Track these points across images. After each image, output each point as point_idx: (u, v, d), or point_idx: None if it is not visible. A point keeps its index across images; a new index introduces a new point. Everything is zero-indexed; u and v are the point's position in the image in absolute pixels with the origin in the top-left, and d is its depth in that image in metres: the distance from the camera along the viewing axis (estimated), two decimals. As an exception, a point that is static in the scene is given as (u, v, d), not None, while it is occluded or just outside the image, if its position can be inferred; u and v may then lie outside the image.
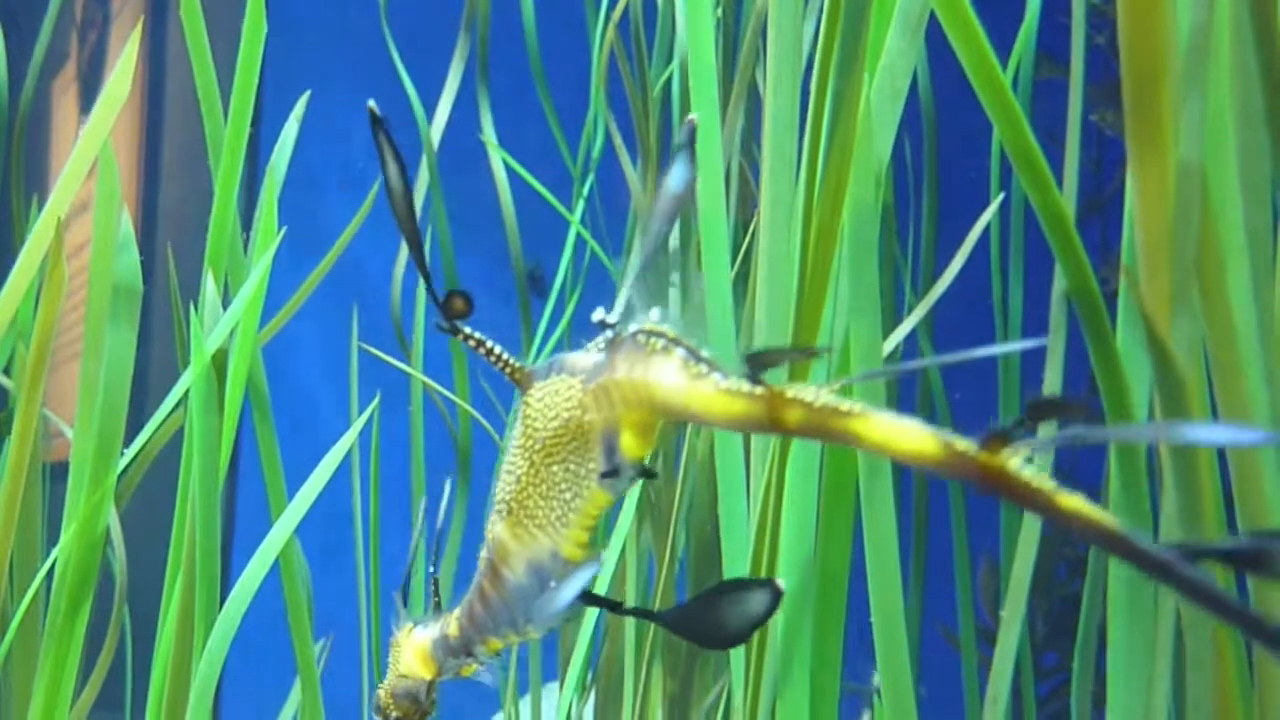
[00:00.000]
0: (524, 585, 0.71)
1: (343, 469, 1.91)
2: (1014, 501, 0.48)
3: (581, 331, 2.13)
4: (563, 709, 1.61)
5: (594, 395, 0.65)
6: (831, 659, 1.01)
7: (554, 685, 2.30)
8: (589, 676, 2.01)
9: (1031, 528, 0.95)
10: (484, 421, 1.85)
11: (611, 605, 0.75)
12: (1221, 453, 0.87)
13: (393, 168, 0.67)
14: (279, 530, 1.09)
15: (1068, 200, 0.80)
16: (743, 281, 1.82)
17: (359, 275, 2.15)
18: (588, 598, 0.72)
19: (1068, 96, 1.04)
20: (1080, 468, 2.53)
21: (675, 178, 0.70)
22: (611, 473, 0.66)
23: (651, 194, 1.91)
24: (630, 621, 1.83)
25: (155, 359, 2.23)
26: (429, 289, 0.69)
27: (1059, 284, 0.82)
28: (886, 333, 1.78)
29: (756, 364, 0.56)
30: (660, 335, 0.62)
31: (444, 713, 2.16)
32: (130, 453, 1.20)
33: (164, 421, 1.23)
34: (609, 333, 0.65)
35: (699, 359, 0.60)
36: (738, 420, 0.57)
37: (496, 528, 0.72)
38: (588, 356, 0.67)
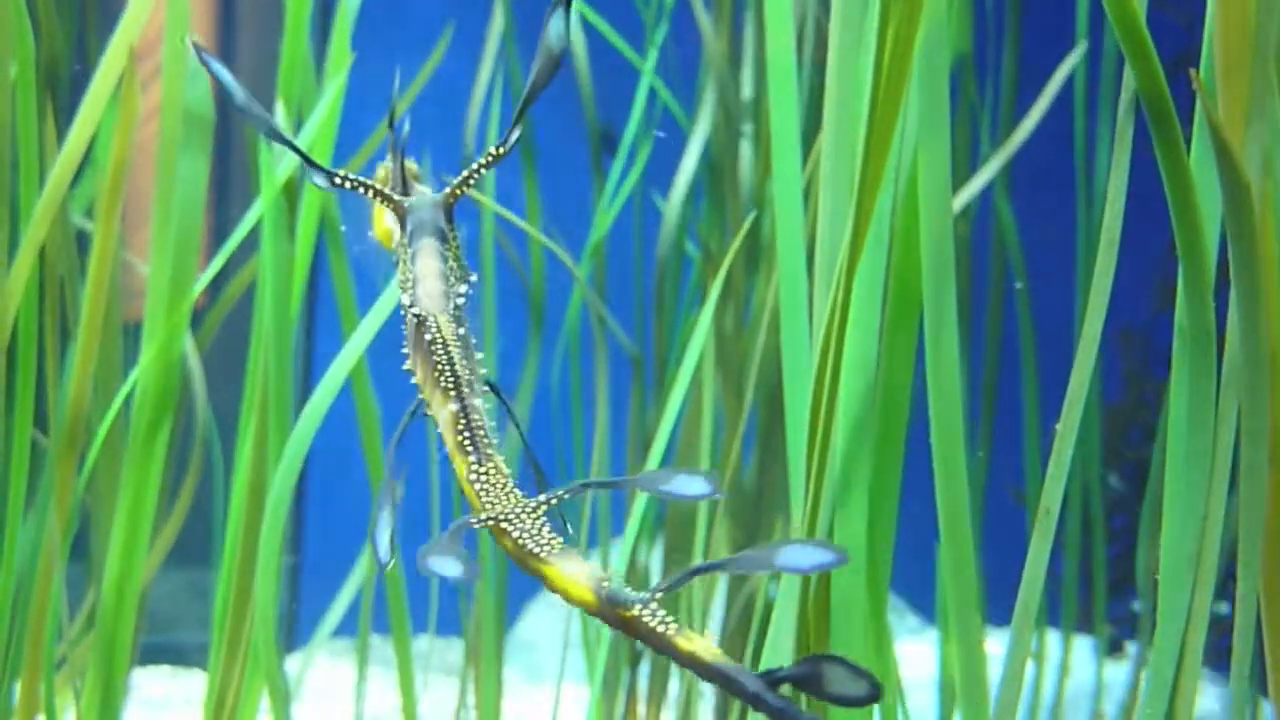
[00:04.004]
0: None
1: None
2: (646, 642, 0.59)
3: (652, 183, 2.11)
4: (625, 555, 1.63)
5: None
6: (890, 487, 1.02)
7: (621, 540, 2.35)
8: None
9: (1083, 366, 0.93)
10: (564, 254, 1.86)
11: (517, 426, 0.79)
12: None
13: (234, 94, 0.70)
14: (351, 347, 1.11)
15: (1139, 4, 0.78)
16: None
17: (429, 124, 2.15)
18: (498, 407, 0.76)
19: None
20: (1157, 333, 2.49)
21: (552, 33, 0.71)
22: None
23: (725, 41, 1.88)
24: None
25: (236, 200, 2.26)
26: (306, 159, 0.70)
27: (1127, 91, 0.80)
28: (960, 183, 1.76)
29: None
30: (444, 348, 0.66)
31: (515, 570, 2.21)
32: (205, 277, 1.22)
33: (241, 241, 1.25)
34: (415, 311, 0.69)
35: (470, 422, 0.65)
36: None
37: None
38: (422, 274, 0.69)
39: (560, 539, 0.63)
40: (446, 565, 0.61)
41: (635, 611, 0.58)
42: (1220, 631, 0.89)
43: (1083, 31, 1.88)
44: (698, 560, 1.90)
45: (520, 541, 0.62)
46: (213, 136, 1.25)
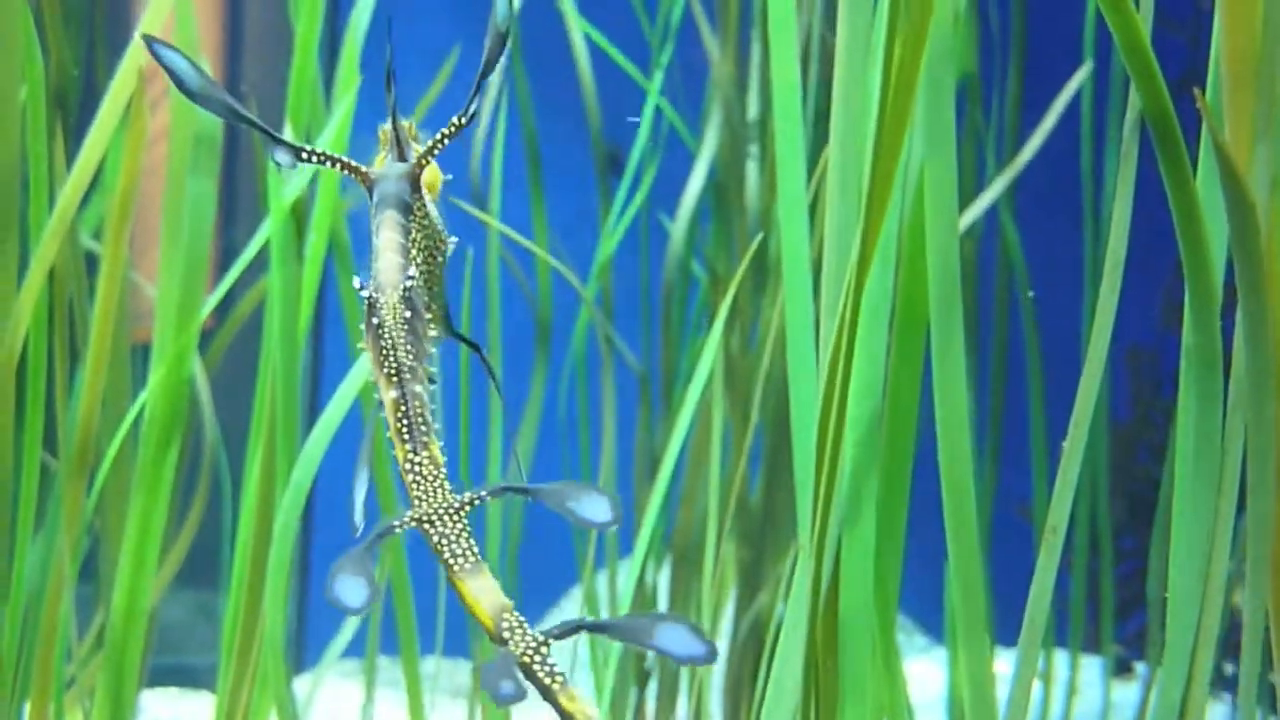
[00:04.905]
0: None
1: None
2: (535, 686, 0.60)
3: (659, 204, 2.11)
4: (634, 574, 1.63)
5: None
6: (898, 505, 1.02)
7: (630, 560, 2.34)
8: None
9: (1088, 387, 0.93)
10: (570, 275, 1.86)
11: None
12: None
13: (188, 80, 0.70)
14: (358, 371, 1.11)
15: (1145, 19, 0.78)
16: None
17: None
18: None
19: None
20: (1165, 351, 2.49)
21: (499, 12, 0.72)
22: None
23: (731, 63, 1.89)
24: (714, 491, 1.84)
25: (241, 222, 2.27)
26: (267, 133, 0.71)
27: (1132, 111, 0.81)
28: (966, 202, 1.76)
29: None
30: (391, 354, 0.66)
31: (524, 587, 2.21)
32: (214, 298, 1.23)
33: (249, 264, 1.26)
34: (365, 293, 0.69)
35: (409, 409, 0.65)
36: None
37: None
38: (382, 261, 0.69)
39: (476, 552, 0.63)
40: (351, 592, 0.60)
41: (526, 658, 0.59)
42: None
43: (1089, 50, 1.89)
44: (706, 581, 1.91)
45: (438, 547, 0.62)
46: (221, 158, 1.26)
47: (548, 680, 0.59)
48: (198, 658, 2.61)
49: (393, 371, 0.66)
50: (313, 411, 2.32)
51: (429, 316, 0.69)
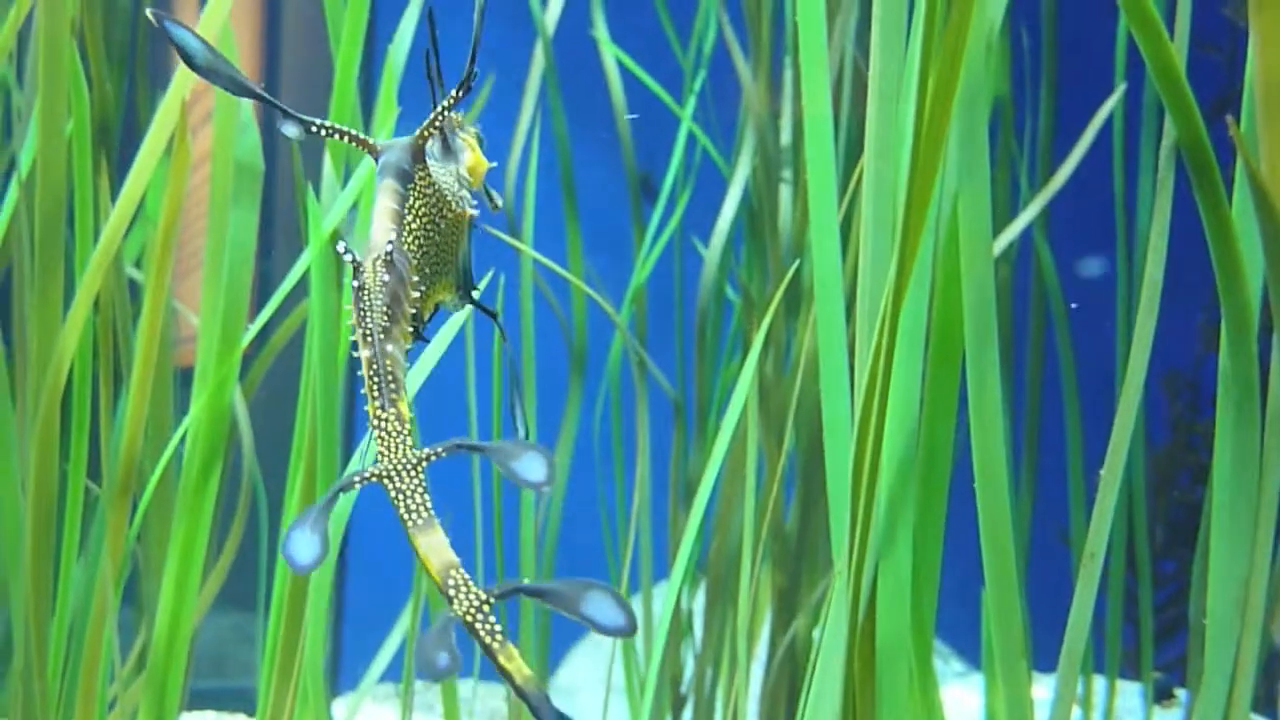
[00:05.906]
0: None
1: (458, 370, 1.95)
2: (477, 643, 0.62)
3: (692, 230, 2.11)
4: (670, 598, 1.63)
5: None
6: (934, 530, 1.02)
7: (665, 585, 2.34)
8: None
9: (1127, 409, 0.93)
10: (604, 301, 1.87)
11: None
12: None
13: (196, 55, 0.73)
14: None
15: (1179, 49, 0.79)
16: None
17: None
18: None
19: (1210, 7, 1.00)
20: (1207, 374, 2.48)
21: None
22: None
23: (764, 89, 1.90)
24: (749, 516, 1.83)
25: (281, 249, 2.30)
26: (279, 108, 0.73)
27: (1168, 138, 0.81)
28: (999, 228, 1.77)
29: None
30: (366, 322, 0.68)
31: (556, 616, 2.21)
32: (255, 326, 1.24)
33: (287, 296, 1.27)
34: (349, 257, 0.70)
35: (379, 368, 0.67)
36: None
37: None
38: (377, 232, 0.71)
39: (430, 509, 0.65)
40: (302, 549, 0.63)
41: (469, 616, 0.61)
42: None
43: (1122, 73, 1.89)
44: (741, 606, 1.90)
45: (394, 501, 0.64)
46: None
47: (488, 639, 0.61)
48: (234, 680, 2.62)
49: (366, 331, 0.68)
50: (351, 435, 2.33)
51: (417, 279, 0.72)
